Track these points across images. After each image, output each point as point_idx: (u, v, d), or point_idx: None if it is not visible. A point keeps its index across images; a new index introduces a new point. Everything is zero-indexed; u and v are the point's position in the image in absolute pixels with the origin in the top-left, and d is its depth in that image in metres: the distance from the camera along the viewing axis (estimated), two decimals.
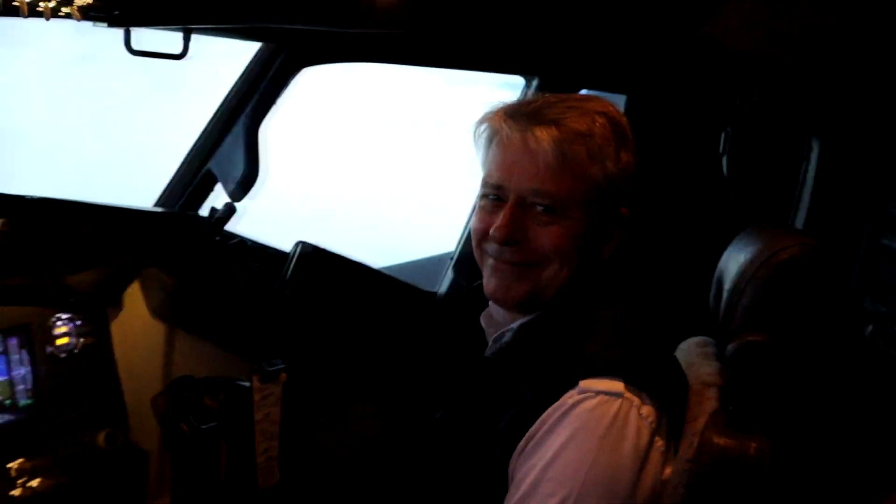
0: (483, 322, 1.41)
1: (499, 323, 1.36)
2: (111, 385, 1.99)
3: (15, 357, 1.83)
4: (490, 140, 1.29)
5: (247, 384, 1.98)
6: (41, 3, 1.27)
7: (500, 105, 1.30)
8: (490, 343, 1.37)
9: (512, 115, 1.26)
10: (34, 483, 1.75)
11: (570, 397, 1.13)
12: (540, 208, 1.23)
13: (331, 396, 2.18)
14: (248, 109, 2.15)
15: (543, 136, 1.21)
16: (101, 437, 1.88)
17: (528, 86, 2.46)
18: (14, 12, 1.23)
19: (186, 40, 1.58)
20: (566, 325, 1.24)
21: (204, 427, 1.97)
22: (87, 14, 1.40)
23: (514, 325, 1.30)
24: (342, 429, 2.14)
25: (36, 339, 1.87)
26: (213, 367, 2.15)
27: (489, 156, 1.29)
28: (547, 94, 1.36)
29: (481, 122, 1.31)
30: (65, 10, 1.29)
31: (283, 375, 1.99)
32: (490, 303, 1.37)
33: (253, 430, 1.96)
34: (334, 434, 2.13)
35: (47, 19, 1.32)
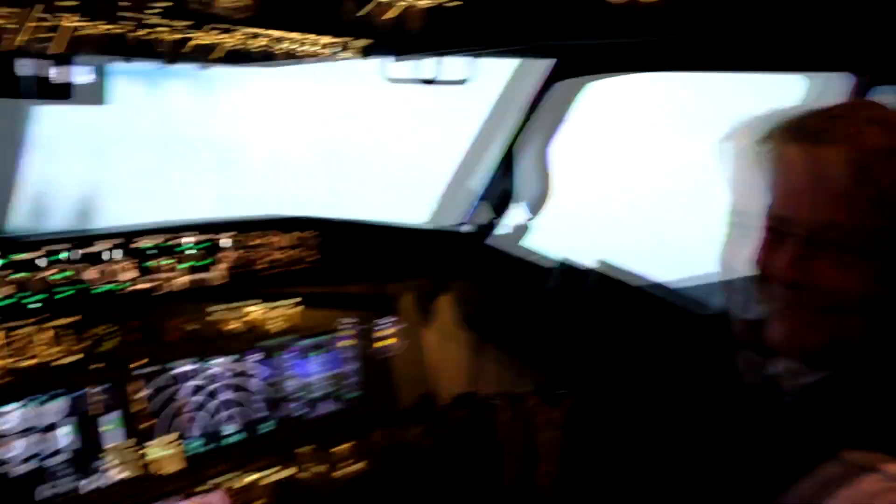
0: (767, 369, 1.21)
1: (784, 374, 1.16)
2: (422, 387, 2.20)
3: (344, 354, 2.12)
4: (769, 161, 1.11)
5: (530, 403, 2.03)
6: (328, 49, 1.43)
7: (779, 118, 1.10)
8: (772, 393, 1.18)
9: (793, 130, 1.07)
10: (353, 467, 2.00)
11: (869, 483, 0.92)
12: (834, 244, 1.02)
13: (616, 422, 2.13)
14: (530, 130, 2.18)
15: (834, 158, 1.00)
16: (414, 433, 2.07)
17: (842, 86, 2.00)
18: (296, 59, 1.40)
19: (439, 64, 1.63)
20: (869, 389, 1.02)
21: (484, 443, 2.05)
22: (369, 52, 1.54)
23: (804, 380, 1.10)
24: (623, 454, 2.08)
25: (361, 339, 2.14)
26: (504, 382, 2.23)
27: (769, 180, 1.11)
28: (839, 104, 1.13)
29: (757, 140, 1.12)
30: (345, 54, 1.44)
31: (567, 400, 2.01)
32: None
33: (534, 452, 2.00)
34: (616, 459, 2.08)
35: (332, 59, 1.49)
